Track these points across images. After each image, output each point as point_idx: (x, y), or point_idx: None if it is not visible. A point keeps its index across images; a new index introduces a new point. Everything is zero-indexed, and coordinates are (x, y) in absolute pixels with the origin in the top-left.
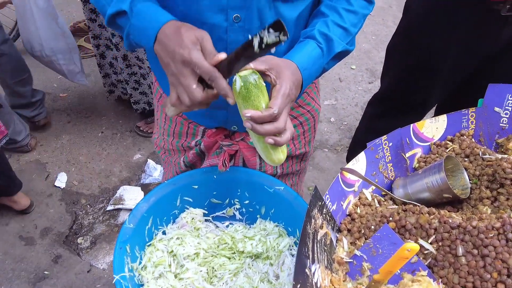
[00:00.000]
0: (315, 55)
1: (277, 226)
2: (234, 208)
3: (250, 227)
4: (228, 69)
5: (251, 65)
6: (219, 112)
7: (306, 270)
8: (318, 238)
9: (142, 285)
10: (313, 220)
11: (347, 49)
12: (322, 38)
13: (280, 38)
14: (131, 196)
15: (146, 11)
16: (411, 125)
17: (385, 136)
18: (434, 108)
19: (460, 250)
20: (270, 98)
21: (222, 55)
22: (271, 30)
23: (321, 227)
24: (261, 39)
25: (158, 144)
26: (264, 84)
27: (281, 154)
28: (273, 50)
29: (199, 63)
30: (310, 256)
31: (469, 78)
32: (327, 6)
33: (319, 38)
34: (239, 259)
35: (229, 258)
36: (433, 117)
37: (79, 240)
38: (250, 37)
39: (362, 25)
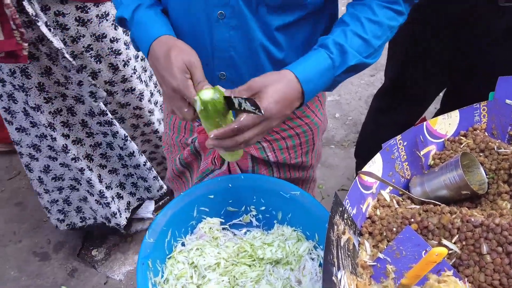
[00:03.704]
0: (324, 67)
1: (295, 230)
2: (250, 215)
3: (267, 233)
4: None
5: (229, 93)
6: None
7: (333, 278)
8: (342, 244)
9: None
10: (335, 227)
11: (363, 62)
12: (335, 48)
13: (256, 112)
14: (142, 205)
15: (144, 22)
16: (424, 122)
17: (399, 135)
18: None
19: (485, 248)
20: None
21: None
22: (248, 103)
23: (344, 233)
24: (240, 103)
25: (164, 139)
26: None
27: (227, 156)
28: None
29: (187, 95)
30: (336, 263)
31: (469, 68)
32: (350, 14)
33: (332, 48)
34: (259, 266)
35: (250, 266)
36: (438, 110)
37: (94, 252)
38: (233, 96)
39: (388, 37)
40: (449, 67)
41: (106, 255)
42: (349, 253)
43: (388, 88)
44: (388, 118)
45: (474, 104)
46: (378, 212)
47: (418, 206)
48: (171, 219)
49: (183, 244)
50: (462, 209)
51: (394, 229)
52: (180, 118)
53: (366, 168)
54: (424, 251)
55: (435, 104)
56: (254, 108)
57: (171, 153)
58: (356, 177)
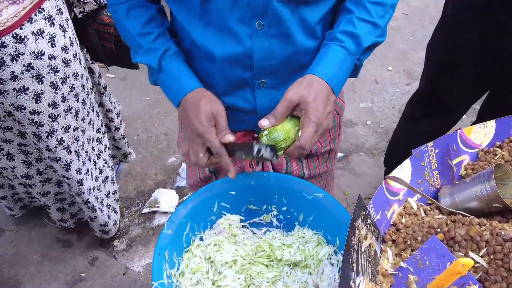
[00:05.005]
0: (339, 58)
1: (315, 234)
2: (271, 215)
3: (287, 234)
4: (232, 149)
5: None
6: (248, 117)
7: (351, 283)
8: (363, 249)
9: None
10: (357, 231)
11: (377, 42)
12: (345, 36)
13: (272, 159)
14: (166, 199)
15: (176, 72)
16: (458, 131)
17: (431, 142)
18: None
19: None
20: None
21: (230, 138)
22: (268, 148)
23: (365, 238)
24: (259, 150)
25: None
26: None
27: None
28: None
29: (210, 140)
30: (355, 268)
31: (502, 79)
32: (352, 1)
33: (341, 38)
34: (277, 267)
35: (267, 266)
36: (475, 121)
37: (115, 243)
38: (254, 142)
39: (391, 15)
40: (484, 78)
41: (128, 246)
42: (369, 260)
43: (422, 93)
44: (421, 126)
45: None
46: (403, 220)
47: (445, 217)
48: (191, 212)
49: (201, 239)
50: (492, 221)
51: (419, 238)
52: (191, 162)
53: (394, 174)
54: (449, 263)
55: (472, 118)
56: (272, 155)
57: None
58: (383, 182)
